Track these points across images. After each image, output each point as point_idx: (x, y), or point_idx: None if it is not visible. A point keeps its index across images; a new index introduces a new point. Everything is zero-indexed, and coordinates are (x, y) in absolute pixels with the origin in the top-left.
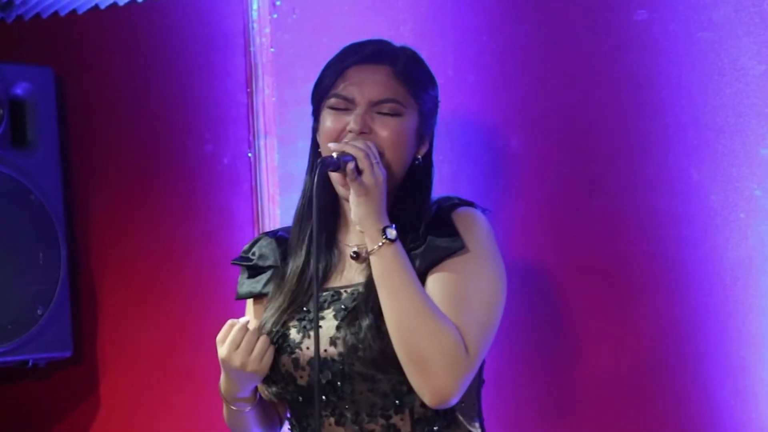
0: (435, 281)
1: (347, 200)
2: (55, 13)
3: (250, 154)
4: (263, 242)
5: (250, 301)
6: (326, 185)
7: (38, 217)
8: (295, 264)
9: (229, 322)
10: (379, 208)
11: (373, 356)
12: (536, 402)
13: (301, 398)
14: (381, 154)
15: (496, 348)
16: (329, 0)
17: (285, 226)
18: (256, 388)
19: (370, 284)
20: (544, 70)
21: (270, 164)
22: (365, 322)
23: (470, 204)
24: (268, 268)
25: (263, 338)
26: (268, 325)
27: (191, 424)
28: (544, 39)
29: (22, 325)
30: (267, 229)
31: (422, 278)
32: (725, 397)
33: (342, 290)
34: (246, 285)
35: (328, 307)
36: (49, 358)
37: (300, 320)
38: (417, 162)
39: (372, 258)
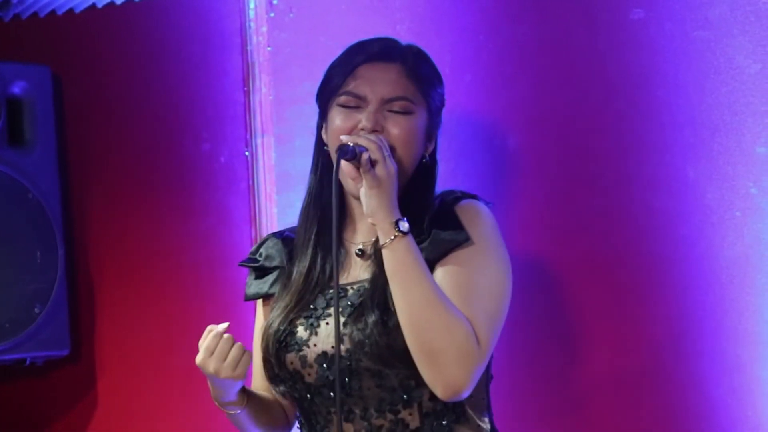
0: (443, 274)
1: (355, 197)
2: (53, 11)
3: (247, 153)
4: (270, 243)
5: (259, 302)
6: (331, 180)
7: (36, 215)
8: (301, 264)
9: (208, 328)
10: (391, 200)
11: (379, 351)
12: (534, 398)
13: (309, 395)
14: (392, 150)
15: (496, 344)
16: None
17: (291, 226)
18: (244, 391)
19: (375, 280)
20: (541, 69)
21: (267, 163)
22: (371, 318)
23: (473, 197)
24: (275, 268)
25: (237, 346)
26: (275, 325)
27: (189, 423)
28: (541, 38)
29: (20, 324)
30: (264, 228)
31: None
32: (721, 394)
33: (348, 287)
34: (253, 286)
35: (334, 304)
36: (46, 357)
37: (307, 318)
38: (425, 160)
39: (384, 251)
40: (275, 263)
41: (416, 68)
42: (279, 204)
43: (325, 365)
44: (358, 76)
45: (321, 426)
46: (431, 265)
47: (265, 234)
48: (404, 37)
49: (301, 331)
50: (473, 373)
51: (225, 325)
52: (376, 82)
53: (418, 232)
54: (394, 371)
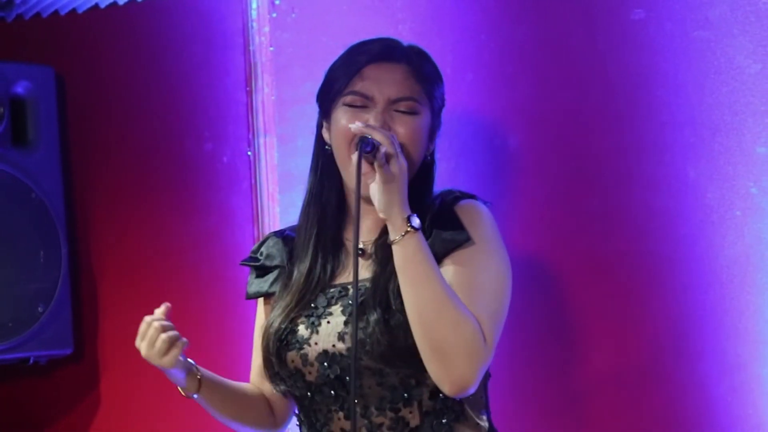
0: (445, 273)
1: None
2: (56, 12)
3: (249, 153)
4: (270, 242)
5: (260, 301)
6: (331, 180)
7: (39, 215)
8: (302, 264)
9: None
10: (403, 196)
11: (381, 350)
12: (534, 397)
13: (309, 394)
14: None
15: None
16: None
17: (292, 224)
18: (198, 378)
19: (376, 279)
20: (542, 68)
21: (269, 163)
22: (373, 317)
23: (471, 196)
24: (275, 267)
25: (164, 336)
26: (276, 324)
27: (190, 422)
28: (542, 38)
29: (23, 323)
30: (266, 228)
31: None
32: (722, 393)
33: (349, 286)
34: (254, 285)
35: (336, 303)
36: (49, 356)
37: (308, 317)
38: (427, 159)
39: (395, 247)
40: (276, 262)
41: (421, 68)
42: (281, 203)
43: (326, 364)
44: (364, 76)
45: (321, 424)
46: None
47: (267, 233)
48: (406, 37)
49: (302, 330)
50: (480, 370)
51: (160, 310)
52: (383, 83)
53: None
54: (394, 370)
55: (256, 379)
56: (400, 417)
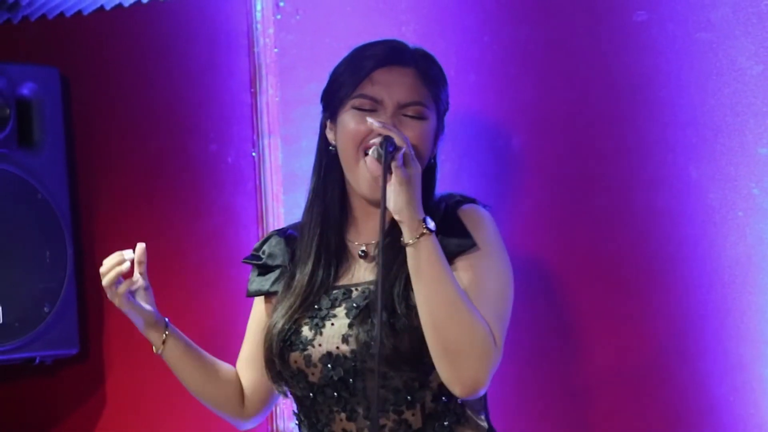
0: None
1: (367, 197)
2: (61, 14)
3: (254, 154)
4: (273, 241)
5: (259, 298)
6: (335, 180)
7: (45, 216)
8: (305, 266)
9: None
10: (418, 198)
11: (386, 353)
12: (537, 397)
13: (312, 395)
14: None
15: None
16: (332, 1)
17: (294, 223)
18: (162, 337)
19: (382, 282)
20: (545, 70)
21: (274, 163)
22: (378, 321)
23: (473, 201)
24: (277, 267)
25: (106, 275)
26: (279, 325)
27: (196, 421)
28: (545, 39)
29: (29, 323)
30: (270, 228)
31: None
32: (723, 393)
33: (353, 288)
34: (256, 283)
35: (339, 305)
36: (55, 356)
37: (312, 318)
38: (430, 162)
39: (410, 249)
40: (278, 262)
41: (429, 72)
42: (285, 204)
43: (329, 365)
44: (374, 79)
45: (322, 424)
46: None
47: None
48: (410, 39)
49: (306, 331)
50: (491, 372)
51: (122, 253)
52: (392, 87)
53: None
54: (398, 373)
55: (240, 368)
56: (402, 419)
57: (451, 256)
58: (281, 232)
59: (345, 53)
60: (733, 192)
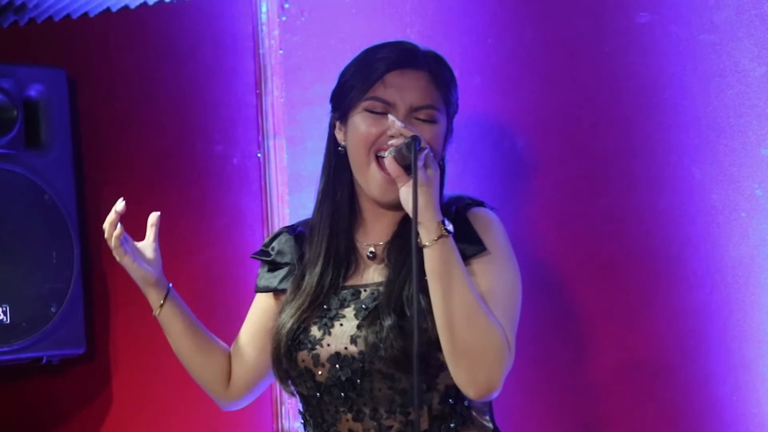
0: None
1: (379, 200)
2: (68, 15)
3: (259, 155)
4: (282, 238)
5: (259, 298)
6: (344, 181)
7: (52, 216)
8: (315, 266)
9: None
10: (437, 200)
11: (394, 355)
12: (540, 396)
13: (318, 394)
14: None
15: None
16: (337, 3)
17: (303, 219)
18: (161, 300)
19: (390, 284)
20: (549, 71)
21: (279, 164)
22: (387, 322)
23: (481, 203)
24: (285, 264)
25: (114, 236)
26: (288, 324)
27: (202, 420)
28: (549, 41)
29: (37, 323)
30: (276, 228)
31: None
32: (726, 393)
33: (361, 289)
34: (264, 279)
35: (348, 305)
36: (62, 355)
37: (320, 318)
38: (440, 164)
39: (428, 250)
40: (286, 259)
41: (442, 75)
42: (291, 204)
43: (337, 365)
44: (387, 82)
45: (328, 424)
46: None
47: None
48: (414, 40)
49: (315, 331)
50: (504, 375)
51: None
52: (405, 90)
53: None
54: (406, 375)
55: (232, 353)
56: (409, 420)
57: (462, 260)
58: (291, 230)
59: (350, 55)
60: (736, 193)
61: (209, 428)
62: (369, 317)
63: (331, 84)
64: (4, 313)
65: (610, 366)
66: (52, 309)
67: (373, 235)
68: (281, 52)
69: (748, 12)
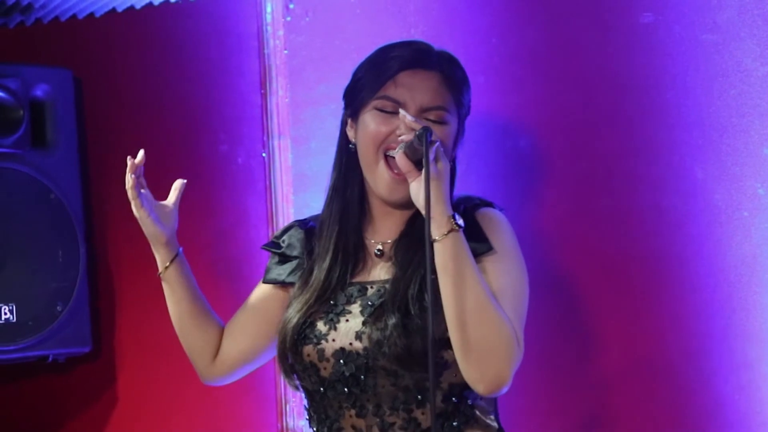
0: None
1: (387, 199)
2: (74, 16)
3: (264, 154)
4: (293, 231)
5: (263, 287)
6: (354, 178)
7: (58, 215)
8: (323, 262)
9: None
10: (447, 195)
11: (398, 353)
12: (544, 395)
13: (322, 389)
14: None
15: None
16: (342, 3)
17: (315, 214)
18: (168, 262)
19: (396, 282)
20: (553, 71)
21: (284, 164)
22: (391, 320)
23: (490, 204)
24: (294, 258)
25: (129, 181)
26: (295, 320)
27: (207, 419)
28: (553, 41)
29: (43, 322)
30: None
31: None
32: (729, 391)
33: (368, 286)
34: (273, 271)
35: (354, 302)
36: (68, 354)
37: (327, 313)
38: (451, 165)
39: (438, 245)
40: (295, 253)
41: (454, 77)
42: (295, 204)
43: (342, 361)
44: (398, 82)
45: (332, 420)
46: None
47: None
48: None
49: (321, 326)
50: (514, 371)
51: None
52: (416, 90)
53: None
54: (410, 373)
55: (227, 330)
56: (412, 418)
57: None
58: (303, 224)
59: (354, 55)
60: (739, 192)
61: (214, 427)
62: (374, 314)
63: (336, 84)
64: (11, 311)
65: (613, 365)
66: (58, 308)
67: (382, 232)
68: (286, 52)
69: (750, 12)
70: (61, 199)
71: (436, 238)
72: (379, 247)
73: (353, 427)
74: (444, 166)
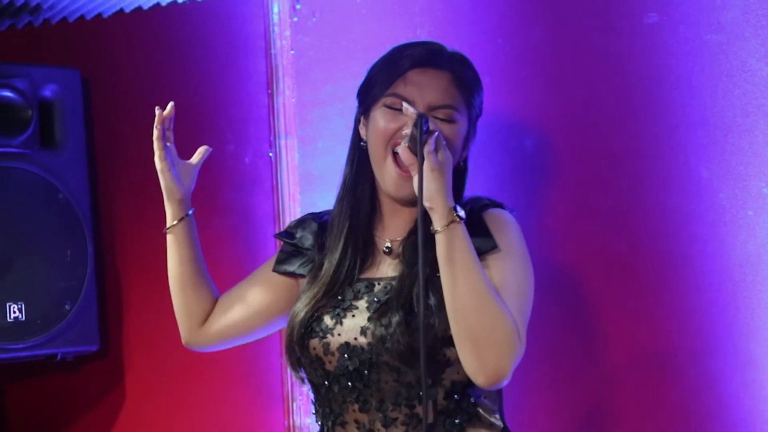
0: None
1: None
2: (82, 16)
3: (271, 154)
4: (308, 224)
5: (270, 265)
6: (365, 175)
7: (66, 215)
8: (332, 257)
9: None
10: (449, 187)
11: (400, 350)
12: (549, 394)
13: (327, 383)
14: None
15: None
16: (348, 4)
17: (330, 209)
18: (176, 219)
19: (403, 280)
20: (558, 71)
21: (290, 164)
22: (395, 318)
23: (500, 205)
24: (306, 250)
25: (156, 133)
26: (302, 314)
27: (214, 417)
28: (558, 41)
29: (51, 320)
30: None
31: None
32: (734, 389)
33: (375, 282)
34: (284, 261)
35: (362, 298)
36: (76, 352)
37: (334, 308)
38: (460, 165)
39: (439, 236)
40: (307, 245)
41: (465, 77)
42: (302, 204)
43: (346, 355)
44: (408, 80)
45: (336, 414)
46: None
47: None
48: None
49: (328, 320)
50: (514, 364)
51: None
52: (425, 88)
53: None
54: (412, 370)
55: (221, 301)
56: (414, 413)
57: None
58: (317, 217)
59: (360, 55)
60: (743, 191)
61: (221, 424)
62: (379, 311)
63: (343, 84)
64: (19, 310)
65: (618, 364)
66: (66, 306)
67: (391, 230)
68: (293, 52)
69: (755, 12)
70: (69, 198)
71: (437, 229)
72: (388, 244)
73: (356, 421)
74: (446, 157)
